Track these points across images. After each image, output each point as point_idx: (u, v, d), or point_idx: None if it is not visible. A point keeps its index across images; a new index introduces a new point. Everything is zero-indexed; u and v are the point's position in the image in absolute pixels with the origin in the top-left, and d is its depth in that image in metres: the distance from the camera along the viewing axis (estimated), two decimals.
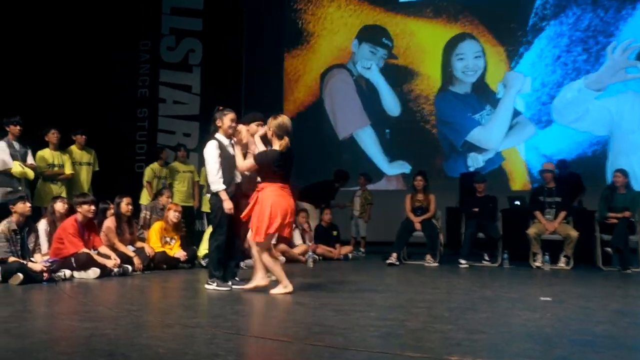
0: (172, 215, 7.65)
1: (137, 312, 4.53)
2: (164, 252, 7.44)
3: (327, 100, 12.94)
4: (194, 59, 12.51)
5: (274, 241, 7.87)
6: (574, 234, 8.08)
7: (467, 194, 9.50)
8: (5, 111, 7.69)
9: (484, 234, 8.54)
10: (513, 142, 11.64)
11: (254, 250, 5.51)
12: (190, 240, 8.27)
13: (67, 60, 10.80)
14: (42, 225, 6.84)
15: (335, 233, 9.30)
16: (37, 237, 6.43)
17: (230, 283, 5.67)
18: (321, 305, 4.78)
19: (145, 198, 9.12)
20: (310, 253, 8.43)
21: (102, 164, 8.79)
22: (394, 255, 8.34)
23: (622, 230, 7.94)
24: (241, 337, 3.71)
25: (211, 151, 5.66)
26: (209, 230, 7.19)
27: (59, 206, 7.02)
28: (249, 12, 13.05)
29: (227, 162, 5.67)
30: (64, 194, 7.97)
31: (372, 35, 12.64)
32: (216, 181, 5.62)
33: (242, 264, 6.83)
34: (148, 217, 8.22)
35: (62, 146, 8.34)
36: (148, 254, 7.22)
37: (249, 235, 5.60)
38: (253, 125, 5.94)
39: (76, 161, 8.43)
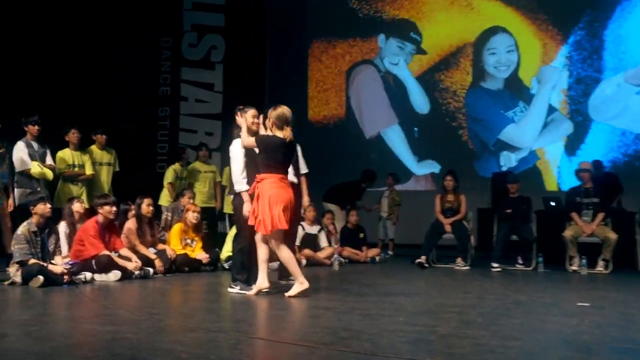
0: (191, 216, 7.70)
1: (158, 315, 4.57)
2: (185, 254, 7.49)
3: (354, 98, 12.92)
4: (216, 55, 12.58)
5: (298, 242, 7.92)
6: (613, 236, 7.96)
7: (499, 195, 9.43)
8: (24, 111, 7.78)
9: (517, 237, 8.46)
10: (548, 140, 11.52)
11: (259, 251, 5.51)
12: (212, 242, 8.31)
13: (86, 59, 10.93)
14: (62, 227, 6.93)
15: (362, 235, 9.27)
16: (57, 239, 6.50)
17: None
18: (348, 310, 4.77)
19: (164, 199, 9.15)
20: (336, 256, 8.43)
21: (122, 164, 8.87)
22: (423, 257, 8.32)
23: None
24: (265, 342, 3.73)
25: (236, 150, 5.69)
26: (232, 232, 7.23)
27: (77, 207, 7.11)
28: (272, 6, 13.10)
29: (252, 162, 5.69)
30: (84, 195, 8.07)
31: (399, 29, 12.59)
32: (240, 181, 5.64)
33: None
34: (169, 218, 8.28)
35: (83, 146, 8.42)
36: (169, 256, 7.28)
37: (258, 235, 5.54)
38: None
39: (96, 161, 8.49)
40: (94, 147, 8.57)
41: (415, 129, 12.41)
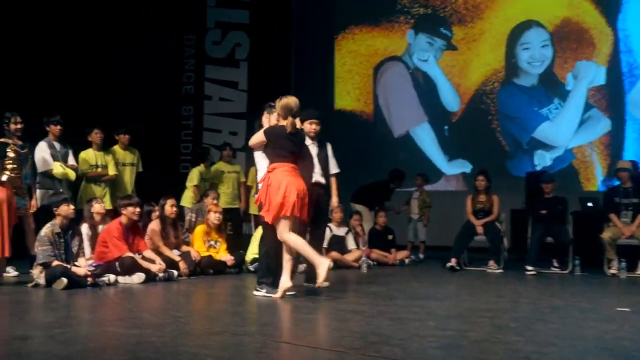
0: (213, 217, 7.74)
1: (183, 318, 4.61)
2: (210, 256, 7.53)
3: (381, 95, 12.88)
4: (240, 53, 12.63)
5: (325, 244, 7.91)
6: None
7: (533, 195, 9.34)
8: (45, 111, 7.88)
9: (552, 238, 8.38)
10: (585, 139, 11.37)
11: (283, 251, 5.53)
12: (237, 244, 8.34)
13: (108, 57, 11.06)
14: (84, 229, 6.99)
15: (390, 237, 9.23)
16: (80, 241, 6.56)
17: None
18: (377, 314, 4.77)
19: (187, 200, 9.18)
20: (364, 258, 8.41)
21: (145, 164, 8.94)
22: (454, 260, 8.27)
23: None
24: (292, 346, 3.73)
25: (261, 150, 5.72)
26: (257, 233, 7.25)
27: (97, 208, 7.18)
28: (297, 3, 13.12)
29: None
30: (107, 196, 8.16)
31: (429, 24, 12.53)
32: None
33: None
34: (194, 219, 8.32)
35: (106, 146, 8.51)
36: (194, 258, 7.32)
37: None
38: (306, 124, 6.12)
39: (119, 162, 8.57)
40: (117, 147, 8.65)
41: (446, 127, 12.33)
